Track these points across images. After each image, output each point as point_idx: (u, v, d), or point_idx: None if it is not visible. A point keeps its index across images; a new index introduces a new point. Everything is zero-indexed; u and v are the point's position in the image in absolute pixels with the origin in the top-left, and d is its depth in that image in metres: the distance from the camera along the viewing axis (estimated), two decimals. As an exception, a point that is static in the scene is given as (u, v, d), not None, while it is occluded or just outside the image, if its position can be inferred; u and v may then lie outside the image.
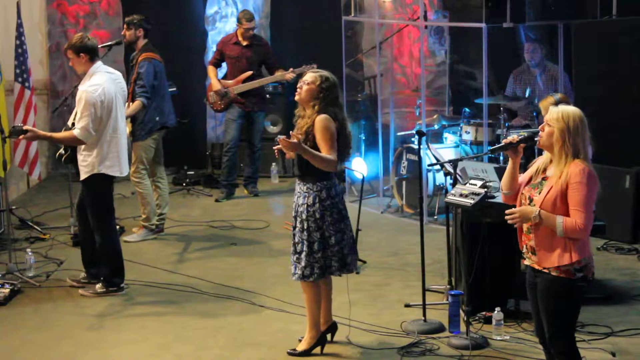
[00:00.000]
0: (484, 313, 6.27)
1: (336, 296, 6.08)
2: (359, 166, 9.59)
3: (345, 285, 6.14)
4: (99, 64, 6.98)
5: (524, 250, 4.75)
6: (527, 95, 9.32)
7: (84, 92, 6.78)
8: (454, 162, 6.11)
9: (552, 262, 4.58)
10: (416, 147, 7.88)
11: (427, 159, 8.18)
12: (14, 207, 8.82)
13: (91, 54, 6.91)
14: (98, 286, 7.08)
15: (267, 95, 10.59)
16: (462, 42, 10.71)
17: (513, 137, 4.80)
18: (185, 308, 6.81)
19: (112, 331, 6.38)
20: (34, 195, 10.47)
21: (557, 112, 4.58)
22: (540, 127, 4.67)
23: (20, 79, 9.47)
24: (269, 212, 9.62)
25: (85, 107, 6.74)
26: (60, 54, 10.80)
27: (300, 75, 8.40)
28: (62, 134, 6.95)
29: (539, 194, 4.61)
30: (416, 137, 6.63)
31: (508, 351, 5.84)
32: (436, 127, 9.51)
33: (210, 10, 11.77)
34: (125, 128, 7.25)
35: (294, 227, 5.76)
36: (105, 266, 7.09)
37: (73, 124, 6.89)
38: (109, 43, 8.45)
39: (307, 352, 5.84)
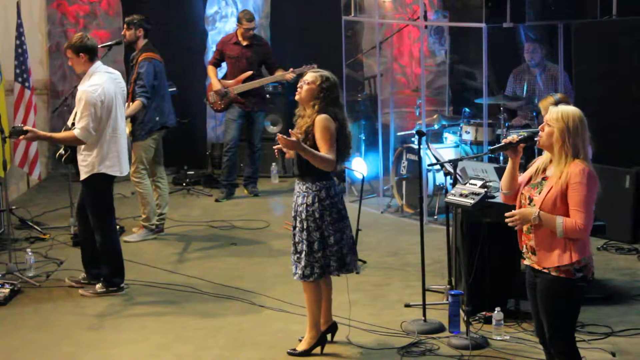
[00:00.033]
0: (484, 313, 6.27)
1: (336, 296, 6.08)
2: (359, 166, 9.59)
3: (345, 285, 6.14)
4: (98, 63, 6.98)
5: (524, 250, 4.75)
6: (524, 93, 9.33)
7: (84, 92, 6.78)
8: (454, 162, 6.11)
9: (551, 262, 4.58)
10: (416, 147, 7.88)
11: (427, 159, 8.18)
12: (14, 207, 8.82)
13: (90, 53, 6.91)
14: (98, 286, 7.08)
15: (267, 95, 10.59)
16: (462, 42, 10.71)
17: (513, 137, 4.80)
18: (185, 308, 6.81)
19: (112, 331, 6.37)
20: (34, 195, 10.47)
21: (557, 112, 4.58)
22: (540, 127, 4.67)
23: (20, 79, 9.47)
24: (269, 212, 9.62)
25: (85, 107, 6.75)
26: (60, 54, 10.80)
27: (300, 75, 8.40)
28: (62, 134, 6.95)
29: (539, 194, 4.61)
30: (416, 137, 6.63)
31: (508, 351, 5.84)
32: (436, 127, 9.51)
33: (210, 10, 11.77)
34: (124, 128, 7.26)
35: (294, 227, 5.76)
36: (105, 266, 7.09)
37: (73, 124, 6.89)
38: (109, 43, 8.45)
39: (307, 352, 5.84)
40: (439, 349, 5.89)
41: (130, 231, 8.72)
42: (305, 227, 5.66)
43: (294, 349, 5.87)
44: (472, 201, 5.69)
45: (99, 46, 7.22)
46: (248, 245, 8.44)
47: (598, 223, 6.56)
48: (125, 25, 8.61)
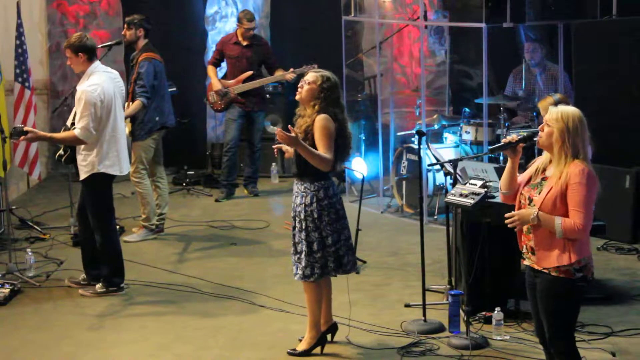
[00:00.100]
0: (484, 313, 6.27)
1: (336, 296, 6.08)
2: (359, 166, 9.59)
3: (346, 285, 6.14)
4: (97, 63, 6.98)
5: (524, 250, 4.75)
6: (521, 91, 9.33)
7: (84, 92, 6.78)
8: (454, 162, 6.11)
9: (550, 262, 4.58)
10: (416, 147, 7.89)
11: (427, 159, 8.18)
12: (14, 207, 8.82)
13: (89, 53, 6.92)
14: (98, 286, 7.08)
15: (267, 95, 10.59)
16: (462, 42, 10.71)
17: (512, 136, 4.80)
18: (185, 308, 6.81)
19: (112, 331, 6.38)
20: (34, 195, 10.47)
21: (557, 113, 4.58)
22: (539, 127, 4.67)
23: (20, 79, 9.47)
24: (269, 212, 9.62)
25: (85, 106, 6.75)
26: (60, 54, 10.80)
27: (300, 76, 8.41)
28: (63, 134, 6.96)
29: (539, 194, 4.61)
30: (416, 137, 6.63)
31: (508, 351, 5.83)
32: (436, 127, 9.51)
33: (210, 10, 11.77)
34: (124, 127, 7.26)
35: (294, 228, 5.76)
36: (105, 266, 7.09)
37: (72, 124, 6.89)
38: (109, 43, 8.45)
39: (307, 352, 5.84)
40: (439, 349, 5.89)
41: (130, 231, 8.72)
42: (304, 227, 5.66)
43: (294, 349, 5.87)
44: (472, 201, 5.69)
45: (99, 46, 7.22)
46: (248, 245, 8.44)
47: (598, 223, 6.56)
48: (125, 25, 8.61)
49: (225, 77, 10.08)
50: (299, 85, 5.76)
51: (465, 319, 5.99)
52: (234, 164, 10.12)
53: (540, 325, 4.75)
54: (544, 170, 4.69)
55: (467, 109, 9.26)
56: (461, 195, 5.78)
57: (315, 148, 5.54)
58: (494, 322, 6.03)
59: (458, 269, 6.46)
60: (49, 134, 7.31)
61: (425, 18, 9.35)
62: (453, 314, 6.12)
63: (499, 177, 4.94)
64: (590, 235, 4.65)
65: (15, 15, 9.48)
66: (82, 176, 6.96)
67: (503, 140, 4.83)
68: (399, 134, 9.88)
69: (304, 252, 5.67)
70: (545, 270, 4.61)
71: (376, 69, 10.29)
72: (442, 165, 6.59)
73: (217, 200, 10.06)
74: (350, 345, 5.98)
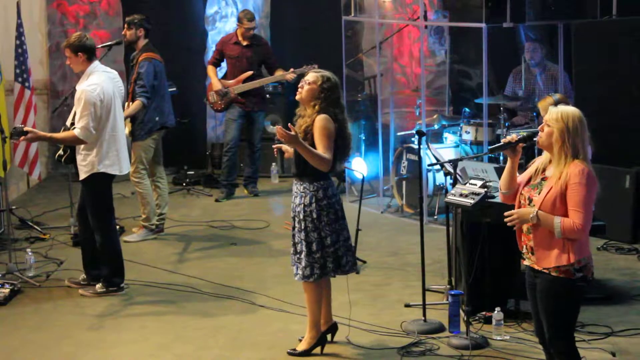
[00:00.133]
0: (484, 313, 6.27)
1: (336, 296, 6.09)
2: (359, 166, 9.59)
3: (346, 285, 6.14)
4: (96, 63, 6.98)
5: (524, 250, 4.75)
6: (521, 91, 9.33)
7: (83, 91, 6.79)
8: (454, 162, 6.11)
9: (550, 262, 4.58)
10: (416, 147, 7.89)
11: (427, 159, 8.18)
12: (14, 207, 8.82)
13: (89, 53, 6.92)
14: (98, 286, 7.08)
15: (267, 95, 10.59)
16: (462, 42, 10.71)
17: (512, 136, 4.80)
18: (185, 308, 6.81)
19: (112, 331, 6.38)
20: (34, 195, 10.47)
21: (557, 113, 4.58)
22: (539, 127, 4.67)
23: (20, 79, 9.47)
24: (269, 212, 9.62)
25: (84, 106, 6.75)
26: (60, 54, 10.79)
27: (301, 76, 8.41)
28: (63, 134, 6.95)
29: (539, 194, 4.61)
30: (416, 137, 6.63)
31: (508, 351, 5.84)
32: (436, 127, 9.51)
33: (210, 10, 11.77)
34: (123, 127, 7.26)
35: (293, 228, 5.76)
36: (105, 266, 7.09)
37: (72, 124, 6.90)
38: (109, 43, 8.45)
39: (307, 352, 5.84)
40: (439, 349, 5.88)
41: (130, 231, 8.72)
42: (303, 227, 5.66)
43: (294, 349, 5.87)
44: (472, 201, 5.69)
45: (99, 46, 7.22)
46: (248, 245, 8.44)
47: (598, 223, 6.56)
48: (126, 25, 8.61)
49: (225, 77, 10.08)
50: (299, 85, 5.76)
51: (465, 319, 5.99)
52: (234, 164, 10.12)
53: (540, 325, 4.75)
54: (544, 170, 4.69)
55: (467, 109, 9.26)
56: (461, 195, 5.78)
57: (315, 148, 5.54)
58: (494, 322, 6.03)
59: (458, 269, 6.46)
60: (49, 134, 7.31)
61: (425, 18, 9.35)
62: (453, 314, 6.12)
63: (499, 177, 4.94)
64: (590, 235, 4.65)
65: (15, 15, 9.48)
66: (82, 176, 6.96)
67: (503, 140, 4.83)
68: (399, 134, 9.88)
69: (303, 253, 5.67)
70: (545, 271, 4.61)
71: (376, 69, 10.29)
72: (442, 165, 6.59)
73: (217, 200, 10.06)
74: (350, 345, 5.98)
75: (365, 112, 10.56)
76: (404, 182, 9.18)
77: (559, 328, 4.64)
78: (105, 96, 6.85)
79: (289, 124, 5.56)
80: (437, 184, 8.89)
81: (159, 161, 8.70)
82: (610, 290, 6.90)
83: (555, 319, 4.63)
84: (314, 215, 5.63)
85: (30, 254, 7.56)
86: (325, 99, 5.62)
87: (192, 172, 10.87)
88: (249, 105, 9.95)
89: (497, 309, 6.04)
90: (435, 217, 8.98)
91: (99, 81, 6.87)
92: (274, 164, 10.88)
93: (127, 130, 8.12)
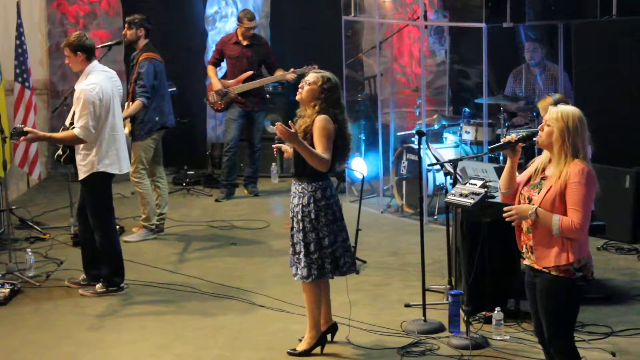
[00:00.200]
0: (484, 313, 6.27)
1: (336, 296, 6.08)
2: (359, 166, 9.59)
3: (345, 285, 6.14)
4: (94, 63, 6.99)
5: (524, 250, 4.75)
6: (523, 92, 9.33)
7: (82, 91, 6.79)
8: (454, 162, 6.11)
9: (549, 261, 4.58)
10: (416, 147, 7.89)
11: (427, 159, 8.18)
12: (14, 207, 8.82)
13: (88, 53, 6.92)
14: (98, 286, 7.08)
15: (267, 95, 10.59)
16: (462, 42, 10.71)
17: (512, 136, 4.80)
18: (185, 308, 6.81)
19: (112, 331, 6.38)
20: (34, 195, 10.47)
21: (557, 112, 4.58)
22: (539, 127, 4.67)
23: (20, 79, 9.47)
24: (269, 212, 9.62)
25: (84, 105, 6.75)
26: (60, 54, 10.77)
27: (301, 76, 8.40)
28: (63, 134, 6.95)
29: (538, 193, 4.61)
30: (416, 137, 6.63)
31: (508, 351, 5.84)
32: (436, 127, 9.51)
33: (210, 10, 11.77)
34: (122, 126, 7.26)
35: (292, 228, 5.76)
36: (105, 266, 7.09)
37: (71, 124, 6.89)
38: (109, 43, 8.44)
39: (307, 352, 5.84)
40: (439, 349, 5.89)
41: (130, 231, 8.72)
42: (301, 227, 5.66)
43: (294, 349, 5.87)
44: (472, 201, 5.69)
45: (99, 46, 7.22)
46: (248, 245, 8.44)
47: (598, 223, 6.58)
48: (126, 25, 8.61)
49: (225, 77, 10.08)
50: (299, 85, 5.76)
51: (465, 319, 5.99)
52: (234, 164, 10.12)
53: (539, 325, 4.75)
54: (544, 170, 4.69)
55: (467, 109, 9.26)
56: (461, 195, 5.77)
57: (314, 148, 5.54)
58: (494, 322, 6.03)
59: (458, 269, 6.46)
60: (49, 134, 7.31)
61: (425, 18, 9.35)
62: (453, 314, 6.12)
63: (499, 177, 4.94)
64: (590, 235, 4.66)
65: (15, 15, 9.48)
66: (82, 176, 6.95)
67: (502, 140, 4.83)
68: (399, 134, 9.89)
69: (302, 253, 5.67)
70: (545, 270, 4.61)
71: (376, 69, 10.29)
72: (442, 165, 6.59)
73: (217, 200, 10.06)
74: (350, 345, 5.98)
75: (365, 112, 10.56)
76: (404, 182, 9.19)
77: (559, 328, 4.64)
78: (104, 95, 6.86)
79: (290, 121, 5.56)
80: (437, 184, 8.89)
81: (159, 161, 8.70)
82: (610, 290, 6.90)
83: (554, 319, 4.63)
84: (312, 216, 5.62)
85: (30, 254, 7.56)
86: (325, 99, 5.62)
87: (192, 172, 10.87)
88: (249, 105, 9.95)
89: (497, 309, 6.04)
90: (435, 217, 8.98)
91: (98, 80, 6.87)
92: (274, 164, 10.88)
93: (127, 130, 8.13)
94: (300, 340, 5.91)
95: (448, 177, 6.45)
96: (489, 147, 5.32)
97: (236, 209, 9.72)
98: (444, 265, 6.89)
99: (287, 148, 5.90)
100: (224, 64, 10.22)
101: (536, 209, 4.55)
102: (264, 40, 10.48)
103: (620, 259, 7.76)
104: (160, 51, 8.63)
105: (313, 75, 5.71)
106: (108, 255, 7.07)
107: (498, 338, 6.00)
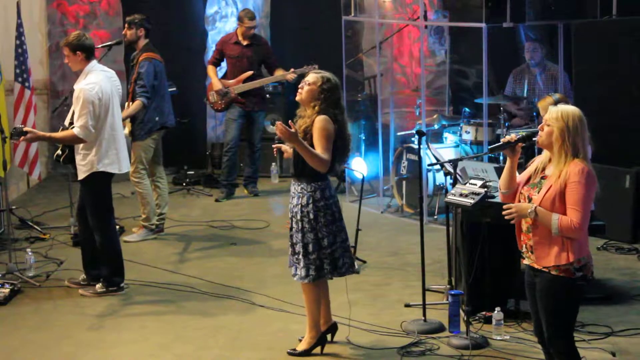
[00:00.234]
0: (484, 313, 6.27)
1: (336, 296, 6.08)
2: (359, 166, 9.59)
3: (345, 285, 6.14)
4: (94, 62, 6.99)
5: (524, 249, 4.75)
6: (524, 92, 9.33)
7: (82, 90, 6.79)
8: (454, 162, 6.11)
9: (549, 261, 4.58)
10: (416, 147, 7.89)
11: (427, 158, 8.18)
12: (14, 207, 8.82)
13: (87, 52, 6.92)
14: (98, 286, 7.08)
15: (267, 95, 10.59)
16: (462, 42, 10.71)
17: (512, 136, 4.80)
18: (185, 308, 6.80)
19: (112, 331, 6.38)
20: (34, 195, 10.47)
21: (557, 112, 4.58)
22: (539, 126, 4.67)
23: (20, 79, 9.47)
24: (269, 212, 9.62)
25: (83, 105, 6.75)
26: (60, 54, 10.77)
27: (301, 76, 8.40)
28: (62, 134, 6.95)
29: (538, 193, 4.61)
30: (416, 137, 6.63)
31: (508, 351, 5.84)
32: (436, 127, 9.51)
33: (210, 10, 11.77)
34: (122, 126, 7.26)
35: (291, 228, 5.76)
36: (105, 266, 7.09)
37: (71, 124, 6.89)
38: (109, 43, 8.45)
39: (307, 352, 5.84)
40: (439, 349, 5.88)
41: (130, 231, 8.72)
42: (300, 228, 5.66)
43: (294, 349, 5.87)
44: (472, 201, 5.68)
45: (99, 46, 7.21)
46: (248, 245, 8.44)
47: (598, 223, 6.57)
48: (126, 25, 8.61)
49: (225, 76, 10.08)
50: (299, 86, 5.75)
51: (465, 319, 5.99)
52: (234, 164, 10.12)
53: (539, 325, 4.75)
54: (544, 169, 4.69)
55: (467, 109, 9.26)
56: (461, 195, 5.77)
57: (314, 149, 5.54)
58: (494, 322, 6.03)
59: (458, 269, 6.46)
60: (49, 134, 7.31)
61: (425, 18, 9.35)
62: (453, 314, 6.12)
63: (499, 177, 4.94)
64: (590, 235, 4.66)
65: (15, 15, 9.48)
66: (81, 176, 6.95)
67: (502, 140, 4.83)
68: (399, 134, 9.88)
69: (301, 253, 5.67)
70: (545, 270, 4.62)
71: (376, 69, 10.29)
72: (442, 165, 6.59)
73: (217, 200, 10.06)
74: (350, 345, 5.98)
75: (365, 112, 10.56)
76: (404, 182, 9.18)
77: (559, 327, 4.64)
78: (104, 95, 6.86)
79: (290, 121, 5.56)
80: (437, 184, 8.89)
81: (159, 161, 8.70)
82: (610, 290, 6.90)
83: (554, 318, 4.63)
84: (311, 216, 5.62)
85: (30, 254, 7.56)
86: (325, 100, 5.62)
87: (192, 172, 10.87)
88: (249, 105, 9.95)
89: (497, 309, 6.04)
90: (435, 217, 8.98)
91: (97, 80, 6.87)
92: (273, 164, 10.87)
93: (127, 130, 8.13)
94: (300, 340, 5.91)
95: (448, 177, 6.45)
96: (489, 147, 5.33)
97: (236, 209, 9.72)
98: (444, 265, 6.89)
99: (287, 148, 5.90)
100: (224, 64, 10.22)
101: (536, 207, 4.55)
102: (264, 40, 10.48)
103: (620, 259, 7.76)
104: (160, 51, 8.63)
105: (313, 76, 5.70)
106: (108, 255, 7.07)
107: (498, 338, 6.00)
